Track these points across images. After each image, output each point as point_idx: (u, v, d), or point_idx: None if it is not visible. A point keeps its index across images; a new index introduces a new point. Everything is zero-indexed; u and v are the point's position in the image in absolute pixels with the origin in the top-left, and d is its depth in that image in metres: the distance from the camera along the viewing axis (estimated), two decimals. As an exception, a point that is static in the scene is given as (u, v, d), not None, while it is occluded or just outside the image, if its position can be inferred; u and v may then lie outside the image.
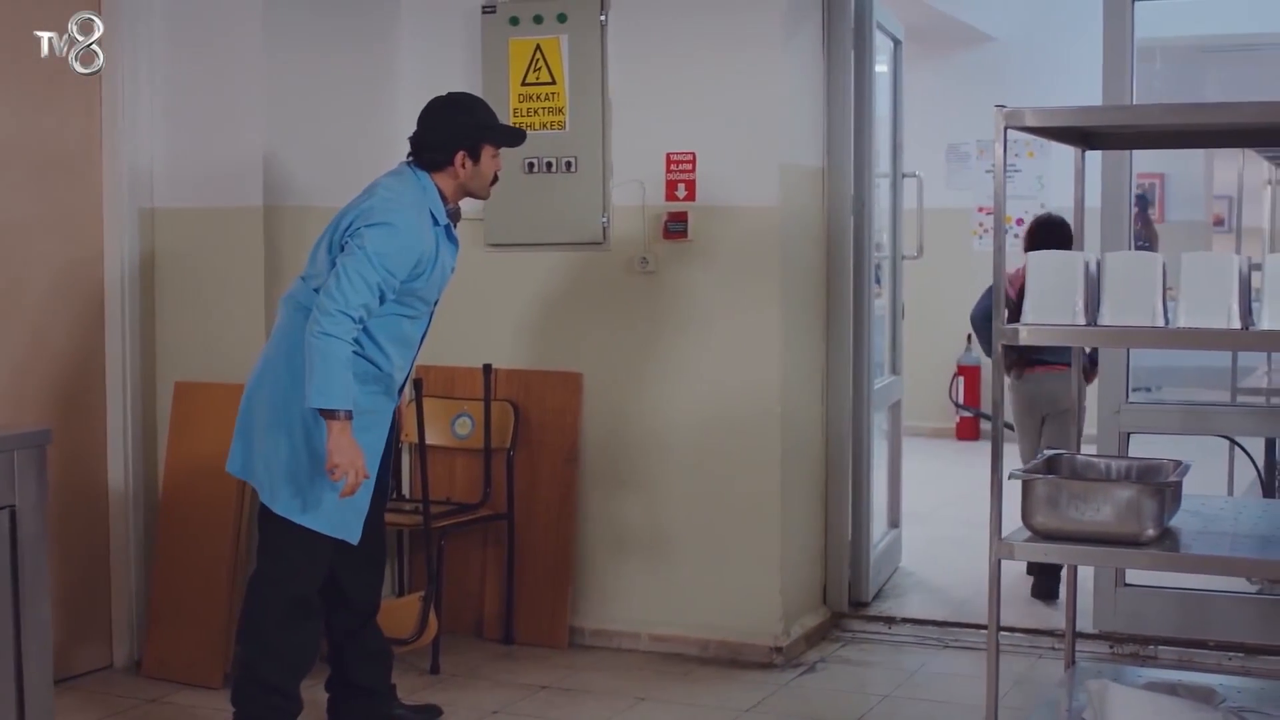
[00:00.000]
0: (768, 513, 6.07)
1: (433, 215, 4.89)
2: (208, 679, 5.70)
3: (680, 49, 6.10)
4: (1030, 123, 4.30)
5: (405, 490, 6.50)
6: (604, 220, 6.22)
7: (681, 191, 6.12)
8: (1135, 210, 9.52)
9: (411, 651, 5.92)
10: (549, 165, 6.26)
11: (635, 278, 6.20)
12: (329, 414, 4.60)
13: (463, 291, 6.45)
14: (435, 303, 5.03)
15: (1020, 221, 11.81)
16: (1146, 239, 9.68)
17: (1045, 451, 4.73)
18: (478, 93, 6.33)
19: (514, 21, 6.28)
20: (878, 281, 7.08)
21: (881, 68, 6.98)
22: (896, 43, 7.28)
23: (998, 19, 11.81)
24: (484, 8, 6.34)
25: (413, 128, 6.56)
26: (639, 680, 5.88)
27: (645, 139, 6.16)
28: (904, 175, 7.50)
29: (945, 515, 8.67)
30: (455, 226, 5.06)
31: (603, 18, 6.17)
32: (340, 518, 4.85)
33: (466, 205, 6.43)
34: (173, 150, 5.99)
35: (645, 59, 6.16)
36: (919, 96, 9.99)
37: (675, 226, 6.12)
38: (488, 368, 6.38)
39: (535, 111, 6.27)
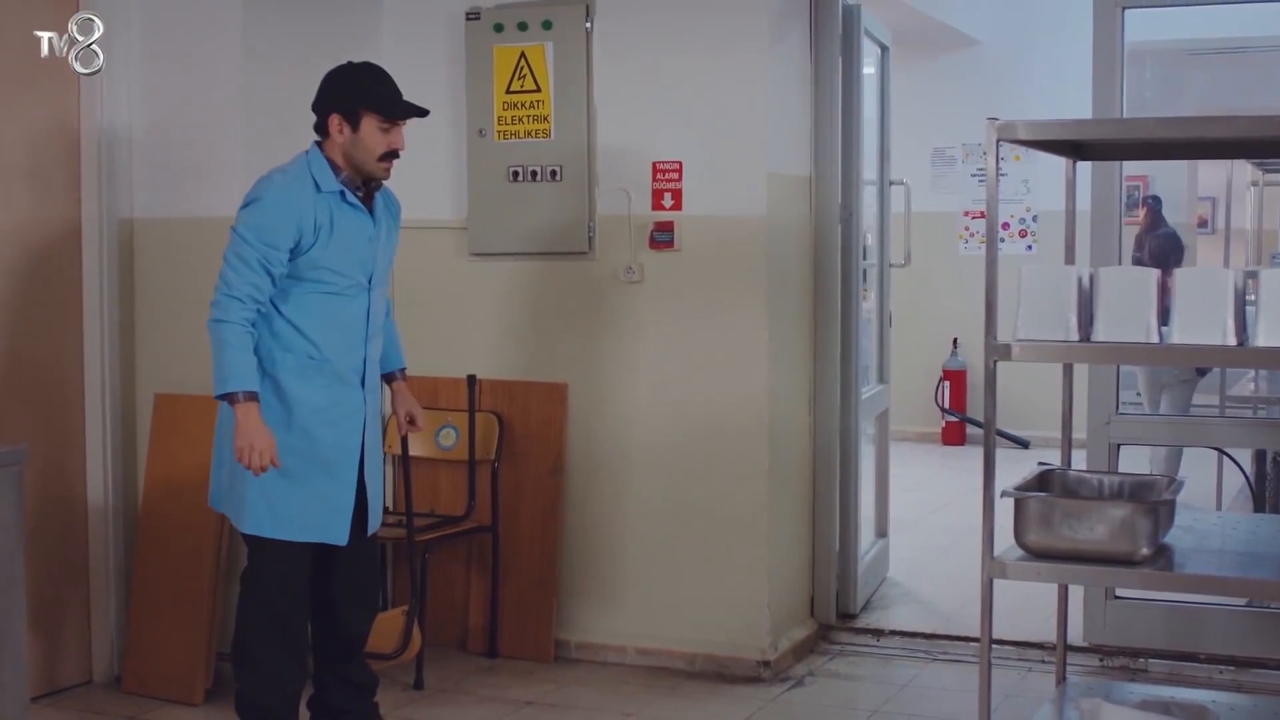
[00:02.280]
0: (755, 524, 6.02)
1: (316, 182, 4.78)
2: (188, 695, 5.64)
3: (667, 57, 6.04)
4: (1022, 135, 4.26)
5: (388, 503, 6.43)
6: (589, 230, 6.16)
7: (668, 201, 6.06)
8: (1146, 209, 9.50)
9: (395, 666, 5.86)
10: (534, 174, 6.20)
11: (621, 287, 6.14)
12: (230, 398, 4.64)
13: (446, 301, 6.41)
14: (370, 279, 4.89)
15: (1006, 226, 11.81)
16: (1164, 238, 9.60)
17: (1039, 465, 4.68)
18: (461, 101, 6.31)
19: (498, 28, 6.22)
20: (865, 286, 7.04)
21: (869, 69, 6.93)
22: (884, 49, 7.23)
23: (983, 23, 11.79)
24: (468, 14, 6.28)
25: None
26: (626, 694, 5.83)
27: (631, 148, 6.10)
28: (891, 182, 7.45)
29: (933, 523, 8.62)
30: (368, 195, 4.91)
31: (588, 25, 6.11)
32: (316, 522, 4.81)
33: (450, 213, 6.42)
34: (151, 160, 5.93)
35: (631, 67, 6.10)
36: (904, 100, 9.93)
37: (661, 236, 6.06)
38: (472, 378, 6.32)
39: (520, 119, 6.21)
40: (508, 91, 6.23)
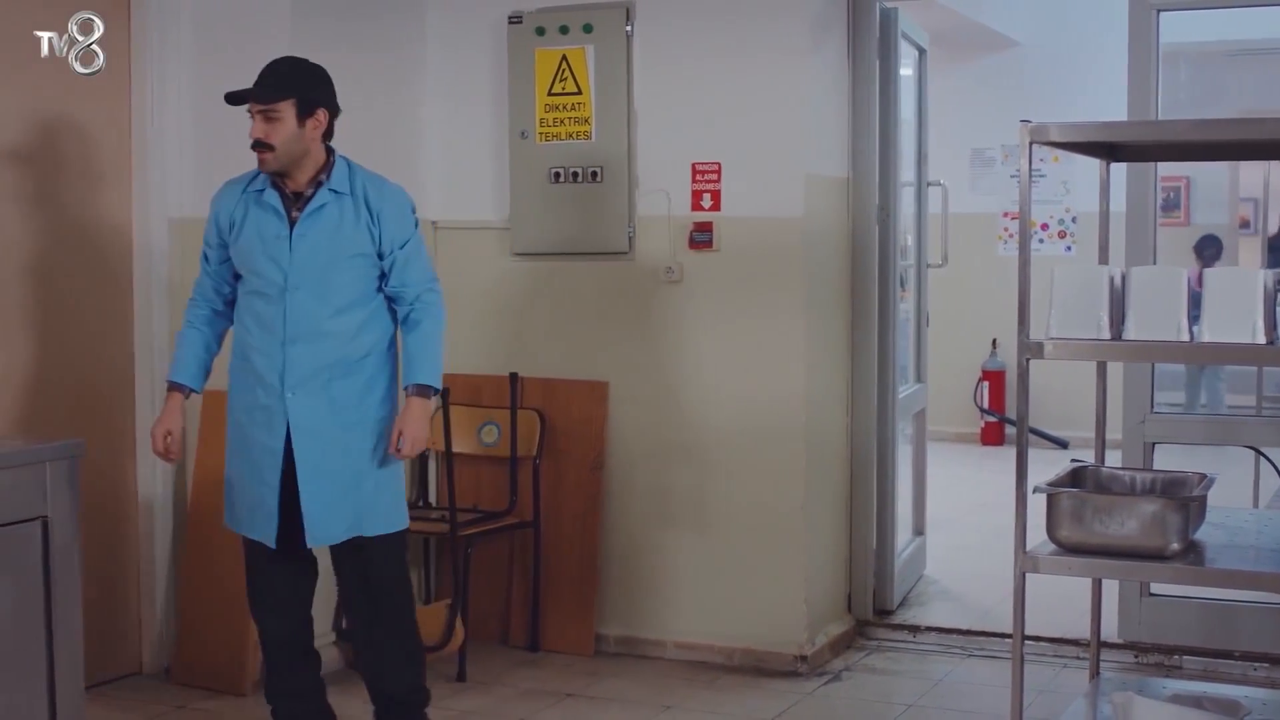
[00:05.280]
0: (793, 521, 6.09)
1: (250, 181, 4.87)
2: (235, 685, 5.74)
3: (706, 59, 6.12)
4: (1055, 138, 4.32)
5: (432, 498, 6.54)
6: (629, 230, 6.25)
7: (707, 201, 6.14)
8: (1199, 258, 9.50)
9: (438, 659, 5.96)
10: (575, 175, 6.28)
11: (661, 287, 6.22)
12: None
13: (489, 300, 6.51)
14: (287, 280, 4.75)
15: (1045, 227, 11.85)
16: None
17: (1072, 461, 4.74)
18: (503, 103, 6.41)
19: (540, 32, 6.31)
20: (903, 287, 7.09)
21: (906, 71, 6.99)
22: (921, 51, 7.29)
23: (1022, 24, 11.81)
24: (510, 18, 6.37)
25: (439, 136, 6.64)
26: (664, 688, 5.90)
27: (671, 149, 6.18)
28: (929, 183, 7.50)
29: (970, 522, 8.66)
30: (293, 199, 4.80)
31: (629, 28, 6.19)
32: (249, 518, 4.87)
33: (493, 214, 6.51)
34: (201, 161, 6.03)
35: (671, 69, 6.18)
36: (943, 101, 9.99)
37: (700, 236, 6.14)
38: (514, 376, 6.41)
39: (561, 121, 6.30)
40: (549, 94, 6.32)
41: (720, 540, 6.19)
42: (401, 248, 4.85)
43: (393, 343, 4.95)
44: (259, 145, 4.71)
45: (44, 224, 5.59)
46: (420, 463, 6.53)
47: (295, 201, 4.80)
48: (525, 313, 6.49)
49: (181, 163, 5.97)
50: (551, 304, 6.45)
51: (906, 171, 7.08)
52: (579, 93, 6.28)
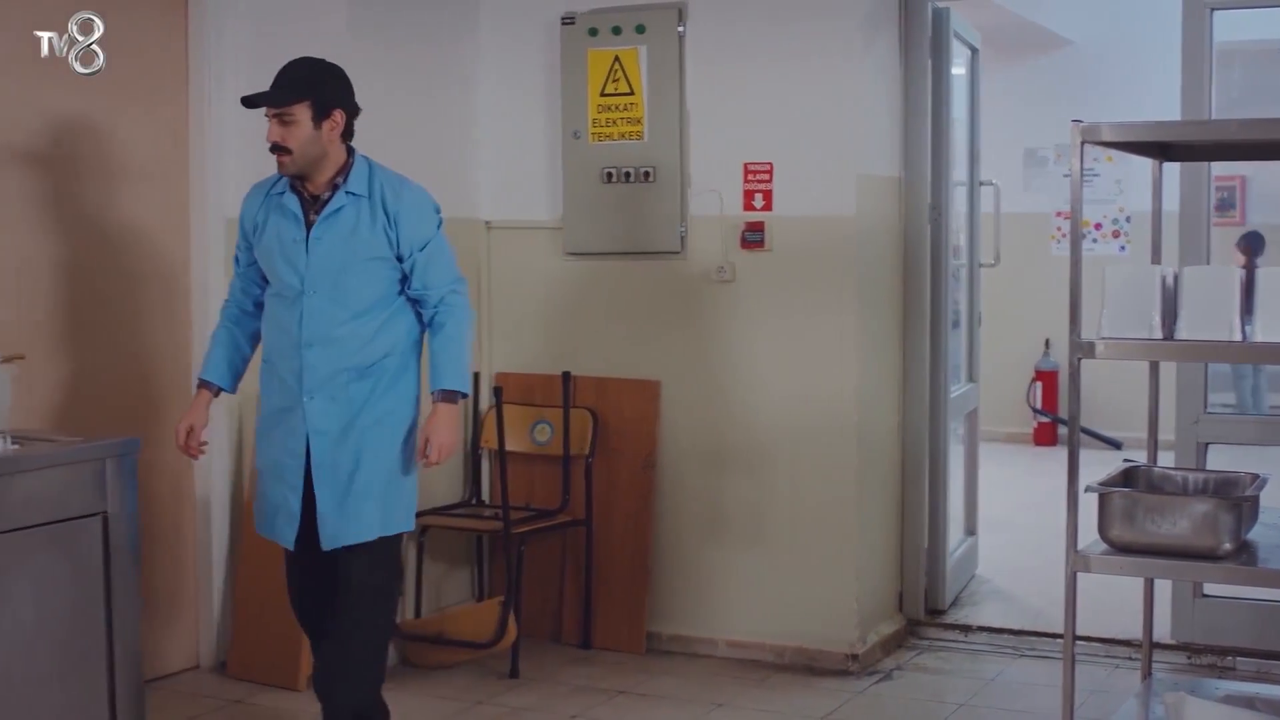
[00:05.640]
0: (844, 520, 6.11)
1: (274, 184, 4.86)
2: (291, 680, 5.79)
3: (758, 59, 6.14)
4: (1107, 137, 4.32)
5: (485, 496, 6.58)
6: (682, 230, 6.27)
7: (759, 201, 6.16)
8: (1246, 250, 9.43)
9: (491, 655, 6.02)
10: (627, 175, 6.31)
11: (713, 287, 6.25)
12: None
13: (542, 300, 6.55)
14: (304, 284, 4.71)
15: (1099, 226, 11.80)
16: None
17: (1124, 461, 4.73)
18: (556, 104, 6.45)
19: (593, 32, 6.34)
20: (955, 288, 7.09)
21: (958, 70, 6.98)
22: (973, 50, 7.28)
23: (1076, 23, 11.75)
24: (563, 19, 6.41)
25: (492, 137, 6.68)
26: (716, 686, 5.93)
27: (723, 149, 6.20)
28: (981, 183, 7.50)
29: (1022, 522, 8.64)
30: (310, 199, 4.77)
31: (681, 29, 6.22)
32: (270, 521, 4.87)
33: (546, 214, 6.55)
34: (256, 159, 6.07)
35: (723, 70, 6.20)
36: (996, 101, 9.97)
37: (752, 236, 6.16)
38: (567, 375, 6.44)
39: (614, 122, 6.33)
40: (602, 94, 6.36)
41: (772, 539, 6.21)
42: (421, 249, 4.76)
43: (417, 345, 4.87)
44: (276, 149, 4.68)
45: (101, 225, 5.66)
46: (474, 461, 6.57)
47: (313, 204, 4.76)
48: (578, 312, 6.53)
49: (237, 162, 6.02)
50: (604, 304, 6.48)
51: (959, 171, 7.08)
52: (631, 93, 6.31)
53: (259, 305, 4.97)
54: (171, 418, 5.89)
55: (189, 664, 6.04)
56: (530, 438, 6.48)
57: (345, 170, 4.76)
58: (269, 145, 4.69)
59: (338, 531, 4.75)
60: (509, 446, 6.28)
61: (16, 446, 4.22)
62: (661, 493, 6.39)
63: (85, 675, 4.32)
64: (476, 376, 6.57)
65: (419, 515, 6.05)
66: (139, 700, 4.50)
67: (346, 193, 4.73)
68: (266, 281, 4.91)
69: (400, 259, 4.76)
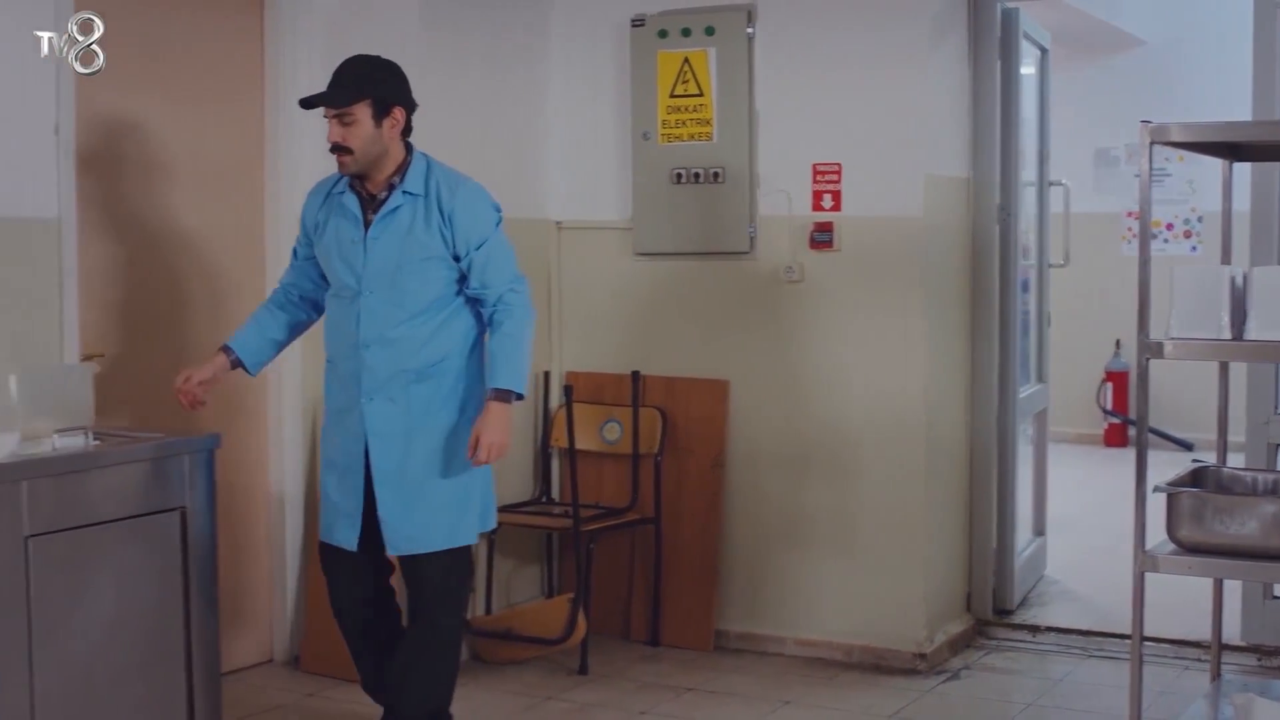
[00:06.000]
0: (912, 519, 6.12)
1: (335, 183, 4.86)
2: (352, 673, 5.85)
3: (827, 60, 6.17)
4: (1176, 138, 4.33)
5: (555, 494, 6.64)
6: (751, 230, 6.31)
7: (828, 202, 6.18)
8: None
9: (560, 652, 6.07)
10: (696, 176, 6.35)
11: (781, 287, 6.28)
12: None
13: (612, 299, 6.60)
14: (361, 283, 4.72)
15: (1170, 227, 11.72)
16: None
17: (1193, 462, 4.73)
18: (626, 105, 6.49)
19: (662, 34, 6.39)
20: (1024, 289, 7.09)
21: (1028, 70, 6.98)
22: (1043, 51, 7.27)
23: (1148, 22, 11.68)
24: (633, 21, 6.46)
25: (562, 137, 6.74)
26: (784, 684, 5.96)
27: (792, 150, 6.23)
28: (1050, 183, 7.48)
29: (1092, 523, 8.62)
30: (376, 198, 4.76)
31: (750, 30, 6.25)
32: (328, 522, 4.88)
33: (616, 214, 6.60)
34: (332, 160, 6.14)
35: (792, 71, 6.23)
36: (1067, 101, 9.94)
37: (821, 236, 6.18)
38: (636, 375, 6.49)
39: (683, 123, 6.37)
40: (671, 96, 6.40)
41: (840, 538, 6.24)
42: (479, 248, 4.72)
43: (477, 345, 4.83)
44: (337, 149, 4.65)
45: (179, 226, 5.75)
46: (544, 459, 6.63)
47: (371, 204, 4.75)
48: (647, 312, 6.57)
49: (312, 164, 6.08)
50: (673, 303, 6.52)
51: (1028, 171, 7.07)
52: (700, 94, 6.35)
53: (305, 299, 4.99)
54: (248, 415, 6.01)
55: (263, 658, 6.13)
56: (600, 436, 6.53)
57: (403, 169, 4.74)
58: (329, 145, 4.68)
59: (408, 538, 4.75)
60: (579, 445, 6.34)
61: (98, 443, 4.29)
62: (730, 492, 6.42)
63: (164, 667, 4.40)
64: (546, 375, 6.63)
65: (489, 512, 6.13)
66: (215, 693, 4.58)
67: (403, 192, 4.71)
68: (323, 279, 4.94)
69: (457, 258, 4.73)
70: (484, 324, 4.82)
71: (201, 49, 5.78)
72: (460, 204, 4.72)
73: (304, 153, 6.01)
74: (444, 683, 4.91)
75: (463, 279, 4.76)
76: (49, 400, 4.27)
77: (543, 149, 6.67)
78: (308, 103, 4.73)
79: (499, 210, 4.85)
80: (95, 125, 5.32)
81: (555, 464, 6.67)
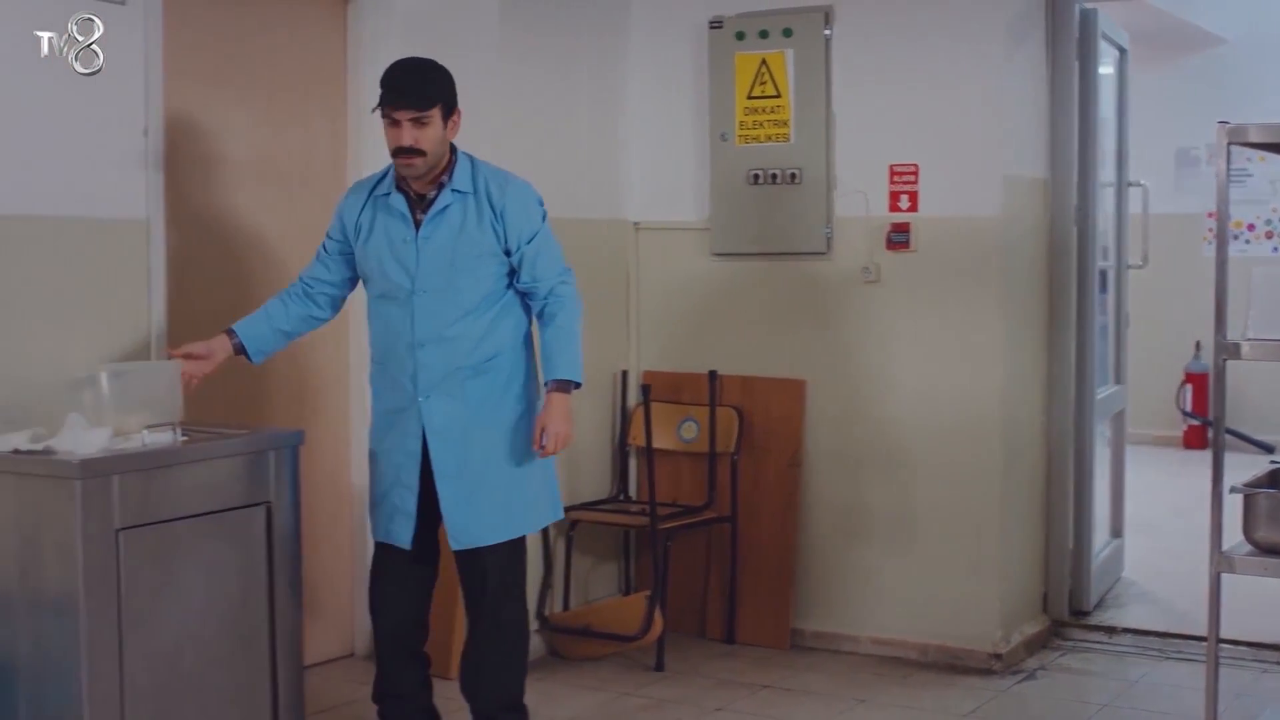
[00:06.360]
0: (988, 520, 6.13)
1: (376, 184, 4.86)
2: (444, 668, 5.89)
3: (904, 61, 6.19)
4: (1254, 138, 4.33)
5: (632, 492, 6.69)
6: (827, 230, 6.33)
7: (904, 202, 6.20)
8: None
9: (637, 648, 6.12)
10: (773, 177, 6.39)
11: (858, 287, 6.30)
12: None
13: (689, 299, 6.64)
14: (415, 283, 4.74)
15: (1251, 227, 11.63)
16: None
17: (1270, 463, 4.72)
18: (704, 106, 6.54)
19: (740, 36, 6.43)
20: (1103, 290, 7.07)
21: (1106, 70, 6.96)
22: (1122, 51, 7.25)
23: (1230, 21, 11.59)
24: (711, 23, 6.50)
25: (640, 138, 6.78)
26: (859, 682, 5.98)
27: (868, 151, 6.26)
28: (1129, 184, 7.46)
29: (1170, 526, 8.57)
30: (418, 201, 4.78)
31: (827, 32, 6.28)
32: (383, 523, 4.90)
33: (693, 215, 6.65)
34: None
35: (869, 71, 6.26)
36: (1147, 100, 9.88)
37: (898, 237, 6.20)
38: (713, 374, 6.53)
39: (760, 124, 6.41)
40: (749, 97, 6.44)
41: (916, 537, 6.25)
42: (529, 242, 4.76)
43: (528, 338, 4.88)
44: (410, 152, 4.65)
45: (264, 227, 5.83)
46: (621, 458, 6.69)
47: (420, 203, 4.77)
48: (724, 312, 6.61)
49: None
50: (750, 303, 6.56)
51: (1106, 172, 7.05)
52: (778, 96, 6.39)
53: (325, 295, 4.99)
54: (329, 413, 6.09)
55: (344, 651, 6.22)
56: (677, 435, 6.58)
57: (450, 168, 4.77)
58: (397, 148, 4.66)
59: (469, 531, 4.79)
60: (656, 444, 6.39)
61: (186, 438, 4.38)
62: (806, 490, 6.45)
63: (248, 659, 4.48)
64: (624, 375, 6.69)
65: (568, 510, 6.21)
66: (299, 684, 4.66)
67: (453, 190, 4.75)
68: (350, 280, 4.97)
69: (508, 253, 4.77)
70: (529, 317, 4.89)
71: (286, 51, 5.87)
72: (511, 199, 4.78)
73: (384, 154, 6.08)
74: (516, 674, 4.97)
75: (512, 274, 4.82)
76: (139, 397, 4.36)
77: (621, 150, 6.72)
78: (399, 102, 4.67)
79: (543, 204, 4.90)
80: (181, 127, 5.41)
81: (632, 462, 6.73)
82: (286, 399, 5.90)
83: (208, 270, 5.61)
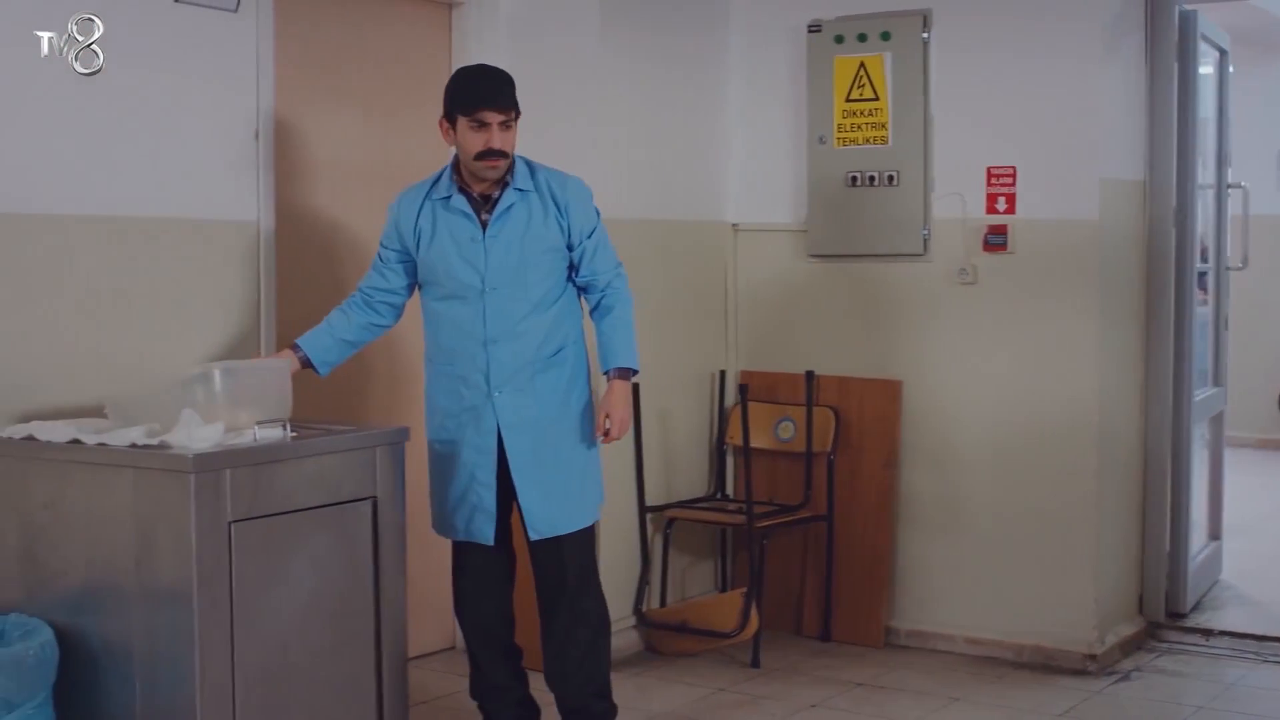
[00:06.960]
0: (1083, 521, 6.14)
1: (432, 188, 4.91)
2: (532, 661, 5.99)
3: (1001, 64, 6.21)
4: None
5: (729, 490, 6.76)
6: (925, 232, 6.37)
7: (1002, 204, 6.22)
8: None
9: (733, 645, 6.19)
10: (871, 179, 6.43)
11: (955, 289, 6.33)
12: None
13: (787, 300, 6.70)
14: (485, 282, 4.81)
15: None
16: None
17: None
18: (803, 109, 6.59)
19: (839, 40, 6.47)
20: (1202, 289, 7.05)
21: (1206, 70, 6.93)
22: (1222, 52, 7.22)
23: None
24: (810, 26, 6.55)
25: (739, 140, 6.84)
26: (953, 681, 6.01)
27: (966, 153, 6.29)
28: (1229, 186, 7.42)
29: (1270, 529, 8.52)
30: (480, 201, 4.84)
31: (925, 35, 6.32)
32: (462, 522, 4.95)
33: (791, 217, 6.70)
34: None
35: (967, 74, 6.28)
36: (1248, 100, 9.81)
37: (995, 239, 6.23)
38: (810, 374, 6.58)
39: (859, 127, 6.46)
40: (847, 100, 6.49)
41: (1011, 538, 6.27)
42: (589, 237, 4.89)
43: (583, 331, 5.00)
44: (496, 155, 4.73)
45: (368, 230, 5.87)
46: (718, 456, 6.76)
47: (482, 204, 4.84)
48: (821, 313, 6.66)
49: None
50: (846, 305, 6.61)
51: (1206, 174, 7.03)
52: (876, 99, 6.43)
53: (387, 304, 5.03)
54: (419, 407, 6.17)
55: (446, 644, 6.33)
56: (774, 434, 6.64)
57: (510, 167, 4.84)
58: (486, 150, 4.71)
59: (549, 521, 4.88)
60: (753, 443, 6.45)
61: (295, 434, 4.47)
62: (902, 490, 6.49)
63: (354, 650, 4.56)
64: (722, 375, 6.76)
65: (666, 508, 6.32)
66: (403, 676, 4.73)
67: (516, 189, 4.83)
68: (410, 286, 5.02)
69: (570, 247, 4.89)
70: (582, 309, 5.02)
71: (391, 55, 5.97)
72: (572, 195, 4.90)
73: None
74: (602, 663, 5.05)
75: (571, 268, 4.93)
76: (250, 394, 4.46)
77: (720, 152, 6.78)
78: (491, 105, 4.74)
79: (593, 200, 5.03)
80: (290, 131, 5.53)
81: (729, 461, 6.79)
82: (390, 398, 6.00)
83: (317, 271, 5.72)
